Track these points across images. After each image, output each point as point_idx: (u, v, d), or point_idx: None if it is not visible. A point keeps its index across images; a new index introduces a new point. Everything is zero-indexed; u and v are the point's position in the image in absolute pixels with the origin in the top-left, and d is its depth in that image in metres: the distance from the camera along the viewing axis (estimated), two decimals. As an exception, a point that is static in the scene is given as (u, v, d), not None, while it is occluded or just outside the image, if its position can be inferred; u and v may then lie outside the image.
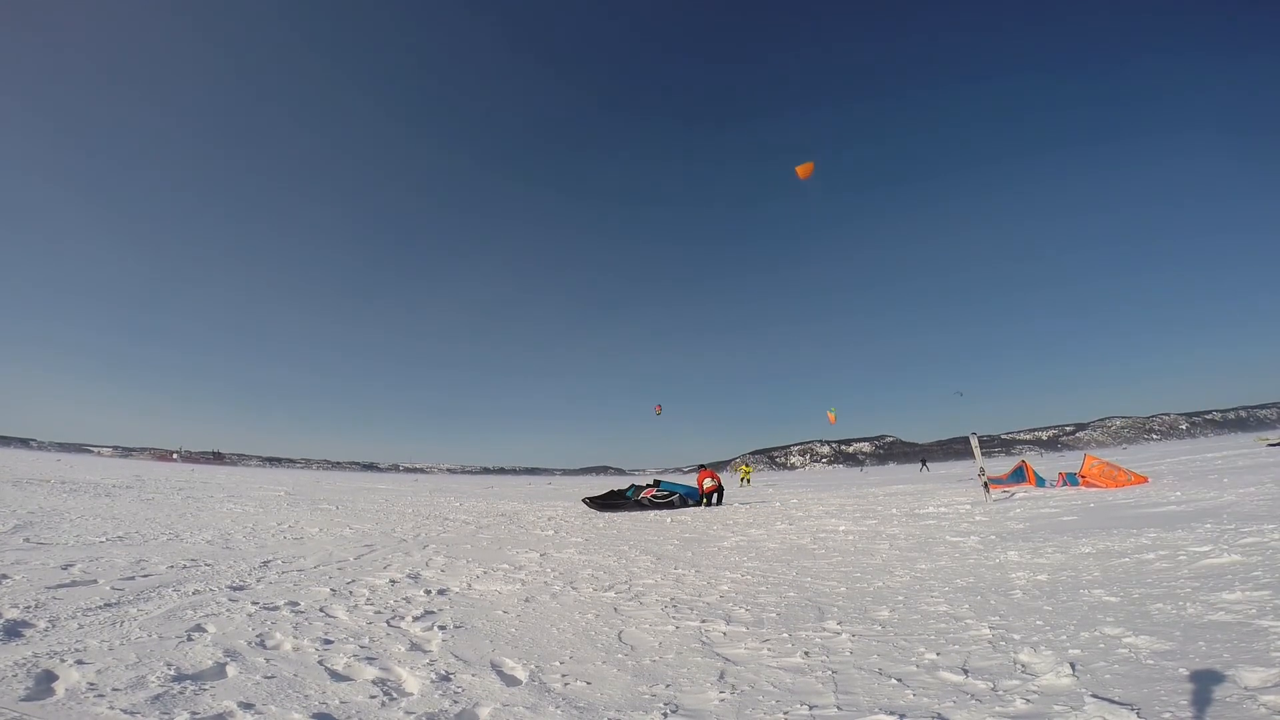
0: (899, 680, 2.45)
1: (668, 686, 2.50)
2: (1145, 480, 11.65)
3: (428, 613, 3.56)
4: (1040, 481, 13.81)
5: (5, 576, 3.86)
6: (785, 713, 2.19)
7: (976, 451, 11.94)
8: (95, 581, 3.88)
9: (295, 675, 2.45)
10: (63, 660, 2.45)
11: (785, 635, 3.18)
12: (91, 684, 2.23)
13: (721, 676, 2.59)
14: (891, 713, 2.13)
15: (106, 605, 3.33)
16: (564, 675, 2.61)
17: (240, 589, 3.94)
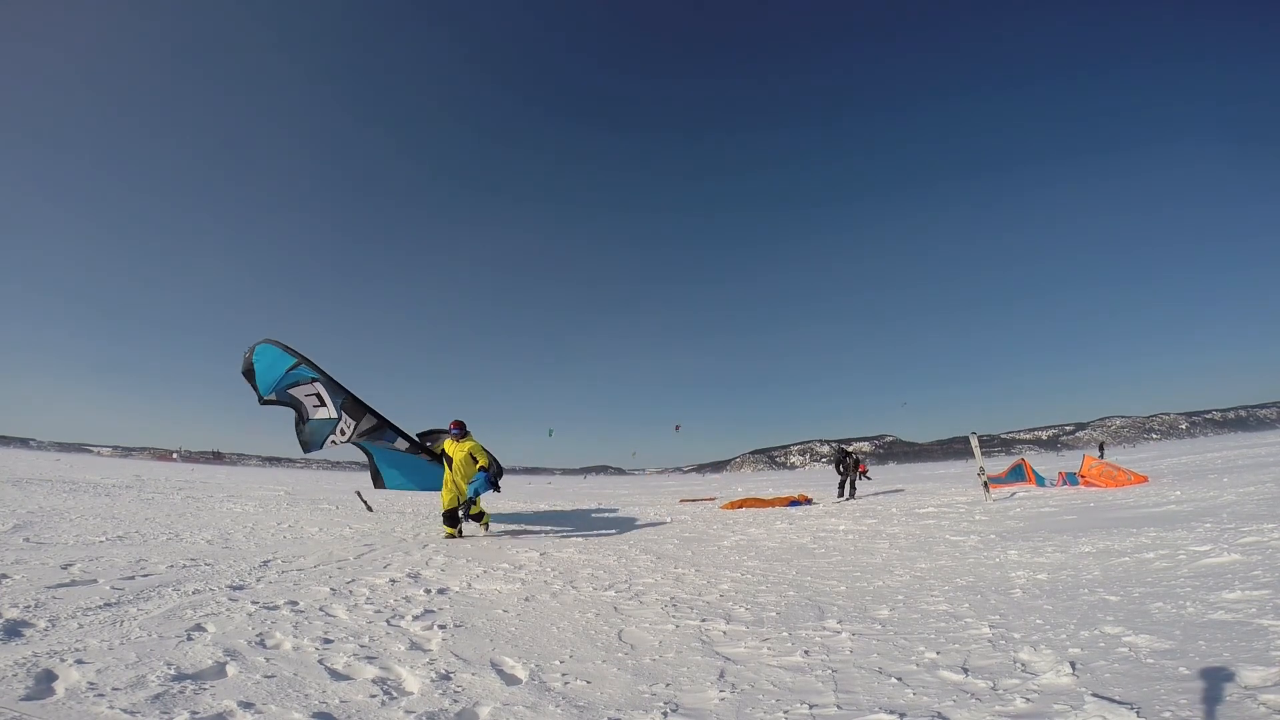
0: (899, 679, 2.45)
1: (668, 685, 2.50)
2: (1145, 480, 11.66)
3: (427, 612, 3.56)
4: (1040, 480, 13.81)
5: (5, 576, 3.85)
6: (785, 712, 2.19)
7: (976, 451, 11.94)
8: (95, 581, 3.88)
9: (295, 675, 2.45)
10: (63, 660, 2.44)
11: (785, 634, 3.18)
12: (91, 684, 2.23)
13: (721, 675, 2.59)
14: (891, 712, 2.13)
15: (106, 605, 3.33)
16: (564, 674, 2.61)
17: (240, 588, 3.93)
